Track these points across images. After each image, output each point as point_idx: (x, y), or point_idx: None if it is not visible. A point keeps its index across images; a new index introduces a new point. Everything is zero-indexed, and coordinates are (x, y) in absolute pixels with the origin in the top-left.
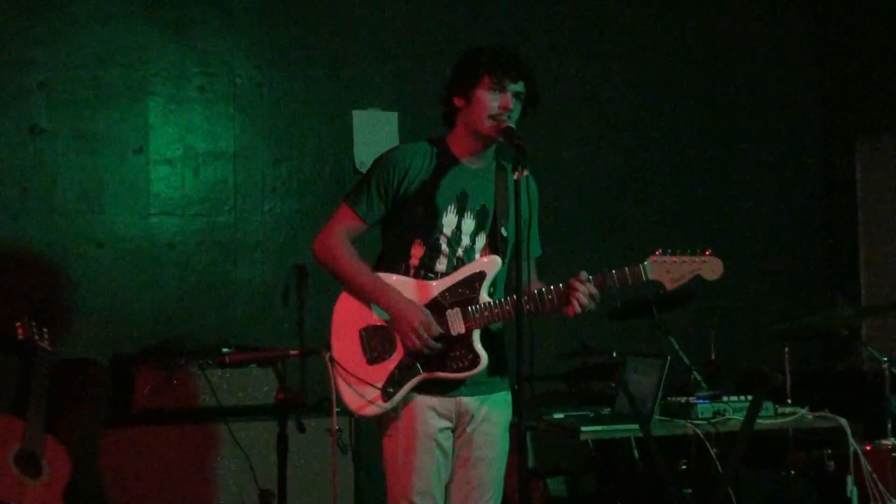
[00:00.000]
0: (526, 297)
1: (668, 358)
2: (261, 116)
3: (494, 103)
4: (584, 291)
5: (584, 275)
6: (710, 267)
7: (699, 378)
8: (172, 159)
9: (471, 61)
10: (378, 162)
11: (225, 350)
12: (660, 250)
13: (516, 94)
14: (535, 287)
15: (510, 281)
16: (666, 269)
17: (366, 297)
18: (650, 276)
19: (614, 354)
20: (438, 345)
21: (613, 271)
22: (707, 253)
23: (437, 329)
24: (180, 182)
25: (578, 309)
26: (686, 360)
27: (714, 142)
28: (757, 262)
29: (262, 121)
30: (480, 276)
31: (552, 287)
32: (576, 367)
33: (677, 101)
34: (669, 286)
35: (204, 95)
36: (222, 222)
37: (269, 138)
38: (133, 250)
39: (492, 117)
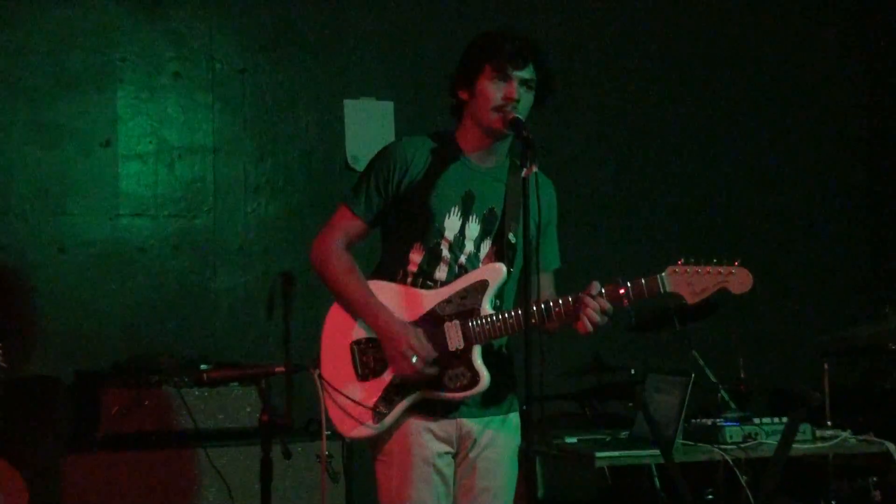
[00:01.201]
0: (532, 311)
1: (693, 375)
2: (243, 106)
3: (498, 94)
4: (596, 306)
5: (595, 286)
6: (738, 279)
7: (727, 397)
8: (144, 154)
9: (473, 49)
10: (377, 157)
11: (203, 367)
12: (681, 259)
13: (524, 82)
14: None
15: (521, 294)
16: (687, 281)
17: (355, 311)
18: (669, 289)
19: (632, 371)
20: (432, 369)
21: (628, 283)
22: (735, 264)
23: (429, 352)
24: (153, 179)
25: (589, 326)
26: (712, 378)
27: (744, 140)
28: (793, 268)
29: (245, 111)
30: (482, 285)
31: (559, 299)
32: (590, 385)
33: (705, 96)
34: (691, 300)
35: (179, 82)
36: (200, 224)
37: (252, 131)
38: (99, 255)
39: (496, 109)
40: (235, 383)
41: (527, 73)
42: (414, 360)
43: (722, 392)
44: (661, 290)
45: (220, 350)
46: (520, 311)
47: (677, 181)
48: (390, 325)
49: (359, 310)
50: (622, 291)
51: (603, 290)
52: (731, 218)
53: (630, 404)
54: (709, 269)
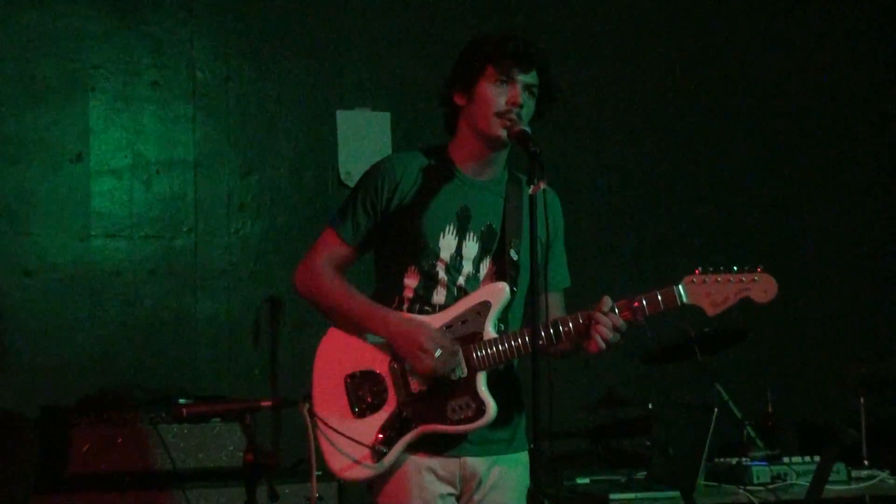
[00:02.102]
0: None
1: (716, 410)
2: (227, 117)
3: (501, 98)
4: (608, 323)
5: (607, 302)
6: (762, 286)
7: (754, 434)
8: (118, 169)
9: (472, 51)
10: (364, 176)
11: (182, 401)
12: (699, 269)
13: (527, 88)
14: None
15: (528, 317)
16: (706, 292)
17: (356, 325)
18: (687, 301)
19: (649, 406)
20: (460, 361)
21: (642, 295)
22: (758, 270)
23: (452, 344)
24: (128, 197)
25: (602, 344)
26: (737, 413)
27: (771, 145)
28: (826, 293)
29: (229, 123)
30: (484, 307)
31: (569, 318)
32: (603, 421)
33: (724, 96)
34: (711, 311)
35: (157, 92)
36: (179, 246)
37: (236, 144)
38: (69, 280)
39: (499, 115)
40: (217, 419)
41: (530, 78)
42: (438, 352)
43: (748, 428)
44: (679, 302)
45: (200, 383)
46: (526, 334)
47: (694, 192)
48: (401, 326)
49: (362, 320)
50: (636, 305)
51: (615, 306)
52: (756, 237)
53: (647, 442)
54: (729, 277)
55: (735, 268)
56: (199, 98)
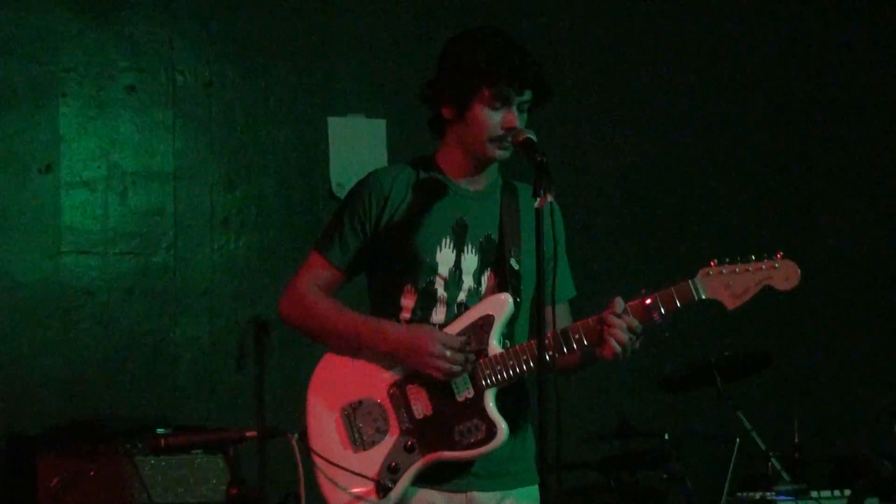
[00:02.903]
0: (547, 342)
1: (738, 440)
2: (209, 125)
3: (495, 121)
4: (622, 324)
5: (619, 303)
6: (784, 273)
7: (779, 467)
8: (92, 181)
9: (463, 65)
10: (350, 193)
11: (160, 431)
12: (714, 260)
13: (522, 104)
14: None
15: (533, 331)
16: (724, 283)
17: (350, 344)
18: (704, 295)
19: (666, 436)
20: (472, 357)
21: (656, 293)
22: (778, 256)
23: (462, 343)
24: (102, 211)
25: (617, 348)
26: (761, 444)
27: (796, 146)
28: (856, 312)
29: (211, 131)
30: (487, 321)
31: (579, 325)
32: (615, 452)
33: (739, 92)
34: (731, 304)
35: (134, 97)
36: (158, 263)
37: (219, 154)
38: (38, 300)
39: (494, 140)
40: (199, 451)
41: (526, 96)
42: (449, 353)
43: (773, 460)
44: (696, 296)
45: (180, 411)
46: (534, 345)
47: (707, 193)
48: (402, 335)
49: (357, 337)
50: (649, 302)
51: (627, 307)
52: (781, 244)
53: (664, 475)
54: (748, 266)
55: (753, 256)
56: (180, 104)
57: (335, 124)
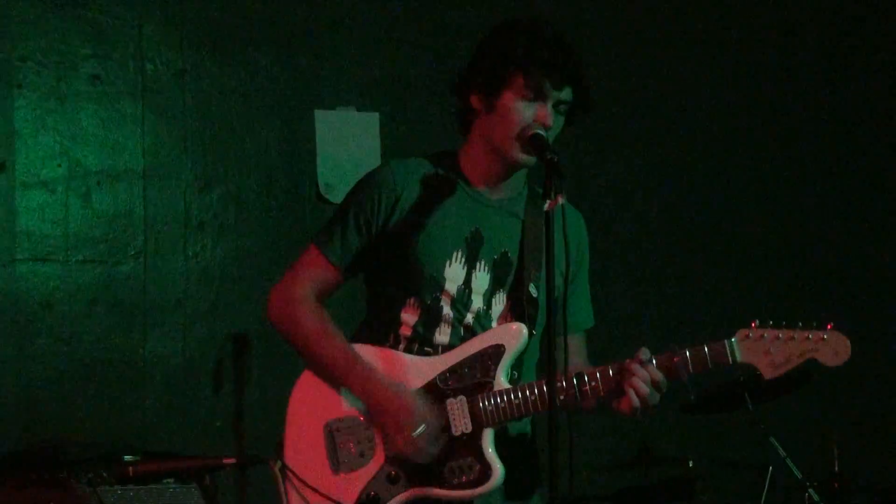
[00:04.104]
0: (559, 386)
1: (770, 469)
2: (182, 119)
3: (527, 114)
4: (645, 376)
5: (645, 353)
6: (832, 347)
7: (817, 498)
8: (51, 181)
9: (499, 49)
10: (358, 186)
11: (127, 458)
12: (756, 322)
13: (558, 104)
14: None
15: (543, 364)
16: (764, 350)
17: (333, 376)
18: (740, 359)
19: (690, 464)
20: (436, 449)
21: (687, 350)
22: (828, 327)
23: (435, 429)
24: (62, 213)
25: (636, 402)
26: (797, 473)
27: (845, 164)
28: None
29: (185, 125)
30: (497, 351)
31: (597, 371)
32: (635, 482)
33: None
34: (768, 374)
35: (98, 88)
36: (125, 272)
37: (194, 151)
38: None
39: (521, 137)
40: (171, 480)
41: (565, 94)
42: (419, 430)
43: (810, 490)
44: (731, 360)
45: (150, 436)
46: (545, 387)
47: (752, 219)
48: (382, 392)
49: (340, 374)
50: (677, 360)
51: (654, 358)
52: (823, 269)
53: None
54: (792, 334)
55: (800, 323)
56: (149, 95)
57: (323, 118)
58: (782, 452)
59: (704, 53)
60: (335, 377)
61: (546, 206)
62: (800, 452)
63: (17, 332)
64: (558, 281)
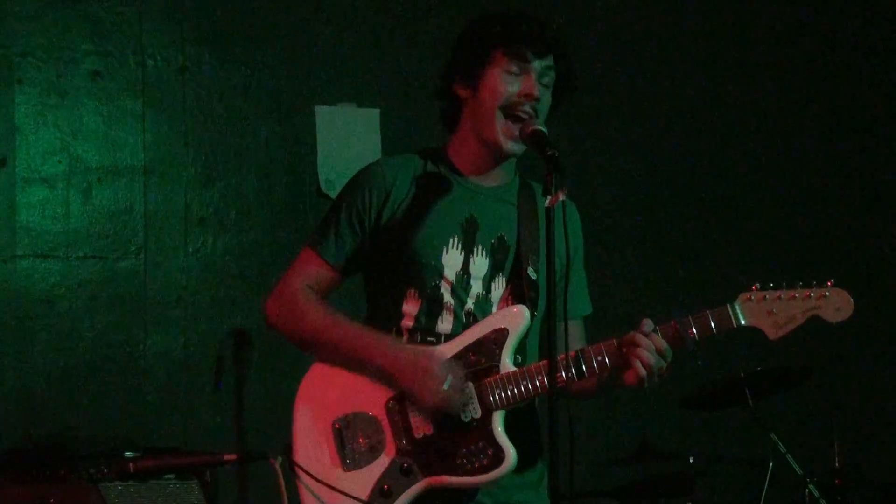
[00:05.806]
0: (563, 363)
1: (771, 465)
2: (183, 115)
3: (512, 88)
4: (649, 345)
5: (648, 324)
6: (834, 303)
7: (817, 494)
8: (51, 177)
9: (477, 31)
10: (348, 185)
11: (128, 454)
12: (757, 285)
13: (543, 74)
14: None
15: (544, 348)
16: (767, 310)
17: (347, 357)
18: (745, 322)
19: (690, 460)
20: (472, 398)
21: (690, 316)
22: (828, 284)
23: (463, 375)
24: (63, 210)
25: (642, 372)
26: (798, 469)
27: (844, 145)
28: None
29: (185, 121)
30: (501, 335)
31: (601, 345)
32: (635, 478)
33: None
34: (773, 334)
35: (99, 84)
36: (126, 268)
37: (194, 147)
38: None
39: (507, 109)
40: (172, 475)
41: (548, 63)
42: (446, 385)
43: (810, 487)
44: (735, 323)
45: (151, 432)
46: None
47: (753, 215)
48: (400, 353)
49: (355, 351)
50: (682, 327)
51: (658, 328)
52: (823, 269)
53: (688, 503)
54: (794, 293)
55: (800, 283)
56: (150, 91)
57: (323, 114)
58: (782, 448)
59: (704, 53)
60: (355, 358)
61: (547, 203)
62: (800, 448)
63: (18, 329)
64: (558, 277)
